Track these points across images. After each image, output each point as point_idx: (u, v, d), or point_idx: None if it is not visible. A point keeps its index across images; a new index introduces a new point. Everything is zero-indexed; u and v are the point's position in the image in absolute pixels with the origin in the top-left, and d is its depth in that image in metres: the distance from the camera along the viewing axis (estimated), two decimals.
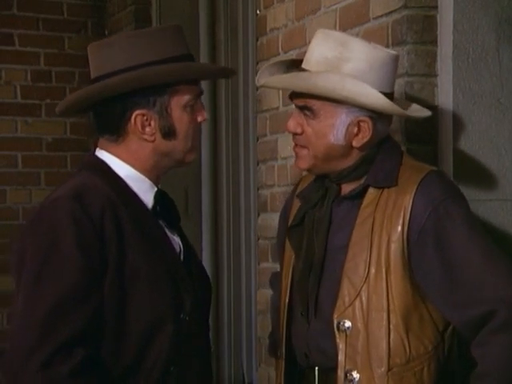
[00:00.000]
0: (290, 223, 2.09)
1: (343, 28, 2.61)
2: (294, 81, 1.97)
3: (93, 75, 1.90)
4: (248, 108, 3.92)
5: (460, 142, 2.30)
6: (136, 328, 1.79)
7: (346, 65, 1.92)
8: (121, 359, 1.78)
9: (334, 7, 2.66)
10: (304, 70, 1.97)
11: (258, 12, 3.22)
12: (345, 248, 1.94)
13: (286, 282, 2.09)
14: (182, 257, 1.94)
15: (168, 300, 1.82)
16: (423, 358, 1.89)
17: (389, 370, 1.87)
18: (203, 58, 4.20)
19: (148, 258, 1.81)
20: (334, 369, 1.92)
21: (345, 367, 1.90)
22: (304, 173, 2.15)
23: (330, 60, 1.93)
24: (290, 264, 2.08)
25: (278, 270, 2.27)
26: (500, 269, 1.84)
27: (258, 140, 3.26)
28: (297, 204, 2.13)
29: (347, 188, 1.99)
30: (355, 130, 1.94)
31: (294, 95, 1.98)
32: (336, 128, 1.94)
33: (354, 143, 1.95)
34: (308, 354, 2.01)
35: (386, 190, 1.93)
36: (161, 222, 1.91)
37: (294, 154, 2.03)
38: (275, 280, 2.34)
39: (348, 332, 1.90)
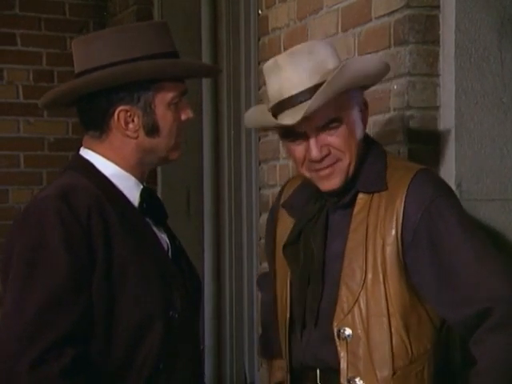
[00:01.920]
0: (285, 241, 2.05)
1: (345, 28, 2.61)
2: (330, 88, 1.85)
3: (77, 70, 1.89)
4: (249, 108, 3.91)
5: (462, 142, 2.30)
6: (125, 326, 1.78)
7: (327, 64, 1.90)
8: (111, 357, 1.77)
9: (335, 7, 2.66)
10: (294, 96, 1.89)
11: (259, 12, 3.22)
12: (341, 256, 1.93)
13: (285, 297, 2.07)
14: (170, 254, 1.93)
15: (157, 297, 1.82)
16: (423, 358, 1.90)
17: (393, 373, 1.87)
18: (205, 57, 4.20)
19: (136, 255, 1.81)
20: (334, 372, 1.92)
21: (347, 375, 1.90)
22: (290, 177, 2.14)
23: (312, 71, 1.89)
24: (286, 280, 2.06)
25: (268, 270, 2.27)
26: (495, 267, 1.84)
27: (259, 140, 3.26)
28: (283, 213, 2.12)
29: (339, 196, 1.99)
30: (361, 115, 1.95)
31: (304, 120, 1.86)
32: (357, 121, 1.93)
33: (362, 133, 1.95)
34: (303, 363, 2.00)
35: (376, 195, 1.92)
36: (148, 219, 1.90)
37: (316, 178, 1.94)
38: (264, 281, 2.33)
39: (349, 339, 1.89)
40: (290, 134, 1.92)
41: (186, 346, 1.89)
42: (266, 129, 2.03)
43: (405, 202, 1.87)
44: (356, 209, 1.94)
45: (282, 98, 1.90)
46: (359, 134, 1.94)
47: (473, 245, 1.85)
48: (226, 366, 4.19)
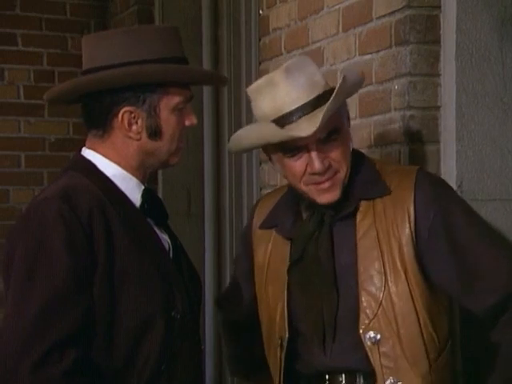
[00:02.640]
0: (289, 261, 2.04)
1: (346, 28, 2.61)
2: (339, 97, 1.90)
3: (85, 67, 1.89)
4: (250, 108, 3.91)
5: (463, 142, 2.30)
6: (127, 327, 1.78)
7: (315, 78, 1.93)
8: (112, 359, 1.77)
9: (336, 7, 2.66)
10: (300, 108, 1.91)
11: (260, 12, 3.22)
12: (353, 265, 1.94)
13: (280, 316, 2.05)
14: (171, 254, 1.93)
15: (159, 298, 1.81)
16: (447, 349, 1.95)
17: (430, 366, 1.91)
18: (206, 58, 4.20)
19: (137, 256, 1.80)
20: (361, 373, 1.94)
21: (383, 377, 1.91)
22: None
23: (307, 86, 1.92)
24: (279, 299, 2.05)
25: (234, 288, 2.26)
26: (509, 253, 1.92)
27: None
28: (261, 234, 2.11)
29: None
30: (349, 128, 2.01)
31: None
32: (349, 132, 1.99)
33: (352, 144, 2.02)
34: (327, 375, 2.00)
35: (378, 200, 1.95)
36: (149, 220, 1.90)
37: (315, 191, 1.96)
38: (228, 302, 2.31)
39: (378, 343, 1.91)
40: (289, 149, 1.93)
41: (187, 347, 1.88)
42: (261, 146, 2.02)
43: (414, 201, 1.91)
44: (359, 217, 1.96)
45: (283, 113, 1.91)
46: (351, 144, 1.99)
47: (485, 234, 1.94)
48: (227, 367, 4.18)
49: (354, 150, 2.03)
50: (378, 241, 1.92)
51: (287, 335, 2.04)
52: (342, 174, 1.95)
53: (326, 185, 1.94)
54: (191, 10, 4.27)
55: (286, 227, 2.06)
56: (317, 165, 1.91)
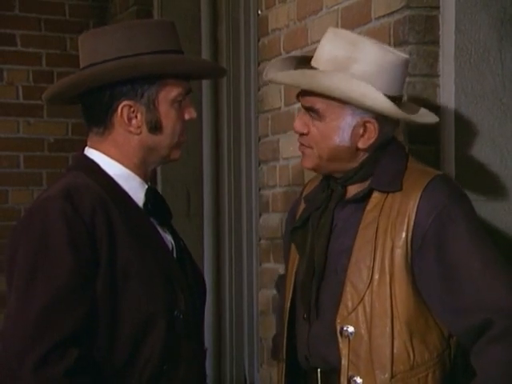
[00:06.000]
0: (294, 224, 2.08)
1: (345, 28, 2.60)
2: (298, 78, 1.97)
3: (82, 64, 1.89)
4: (250, 108, 3.92)
5: (462, 143, 2.30)
6: (129, 326, 1.78)
7: (354, 65, 1.91)
8: (114, 358, 1.77)
9: (335, 7, 2.66)
10: (313, 68, 1.97)
11: (259, 12, 3.22)
12: (348, 252, 1.92)
13: (290, 285, 2.08)
14: (174, 254, 1.93)
15: (161, 298, 1.82)
16: (428, 365, 1.87)
17: (392, 376, 1.86)
18: (205, 58, 4.19)
19: (140, 255, 1.80)
20: (336, 371, 1.91)
21: (348, 373, 1.89)
22: (308, 175, 2.14)
23: (339, 59, 1.92)
24: (295, 266, 2.07)
25: (282, 271, 2.26)
26: (500, 278, 1.82)
27: (259, 140, 3.26)
28: (302, 207, 2.12)
29: (352, 190, 1.99)
30: (361, 131, 1.93)
31: (301, 95, 1.98)
32: (341, 129, 1.93)
33: (360, 144, 1.94)
34: (308, 358, 2.00)
35: (390, 195, 1.92)
36: (152, 219, 1.90)
37: (299, 152, 2.04)
38: (280, 282, 2.33)
39: (351, 337, 1.89)
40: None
41: (189, 347, 1.88)
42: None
43: (418, 205, 1.87)
44: (369, 206, 1.93)
45: (305, 56, 2.09)
46: (337, 141, 1.94)
47: (480, 254, 1.84)
48: (226, 367, 4.19)
49: (395, 140, 2.01)
50: (376, 236, 1.89)
51: (289, 304, 2.05)
52: (315, 152, 1.97)
53: (301, 149, 2.01)
54: (190, 10, 4.27)
55: (309, 200, 2.08)
56: (296, 123, 1.99)
